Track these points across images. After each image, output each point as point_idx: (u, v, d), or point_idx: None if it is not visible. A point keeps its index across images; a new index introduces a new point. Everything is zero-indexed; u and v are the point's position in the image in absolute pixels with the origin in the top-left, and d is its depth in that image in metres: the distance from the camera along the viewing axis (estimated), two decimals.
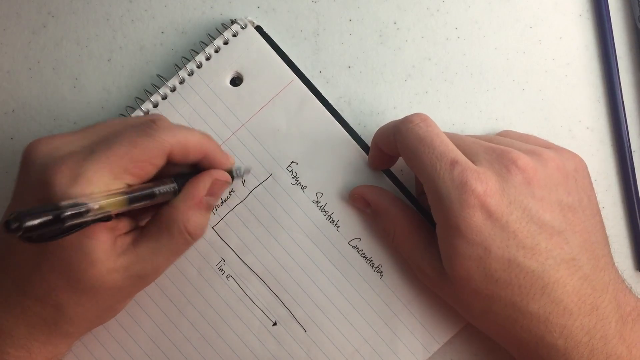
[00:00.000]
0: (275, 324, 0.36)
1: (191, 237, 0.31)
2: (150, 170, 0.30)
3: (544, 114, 0.39)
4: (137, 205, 0.29)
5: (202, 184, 0.32)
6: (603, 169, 0.38)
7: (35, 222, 0.24)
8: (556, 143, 0.36)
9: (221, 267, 0.36)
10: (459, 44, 0.39)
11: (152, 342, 0.36)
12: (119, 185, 0.29)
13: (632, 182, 0.38)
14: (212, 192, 0.32)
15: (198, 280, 0.36)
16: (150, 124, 0.30)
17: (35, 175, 0.28)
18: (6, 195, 0.32)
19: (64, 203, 0.26)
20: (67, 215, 0.25)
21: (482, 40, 0.39)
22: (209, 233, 0.36)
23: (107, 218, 0.28)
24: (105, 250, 0.29)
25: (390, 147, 0.33)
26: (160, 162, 0.30)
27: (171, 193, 0.31)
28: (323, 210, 0.37)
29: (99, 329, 0.35)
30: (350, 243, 0.37)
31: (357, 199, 0.36)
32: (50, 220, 0.25)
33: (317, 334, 0.36)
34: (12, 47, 0.38)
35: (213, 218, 0.36)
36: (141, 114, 0.37)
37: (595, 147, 0.39)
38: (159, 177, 0.31)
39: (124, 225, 0.31)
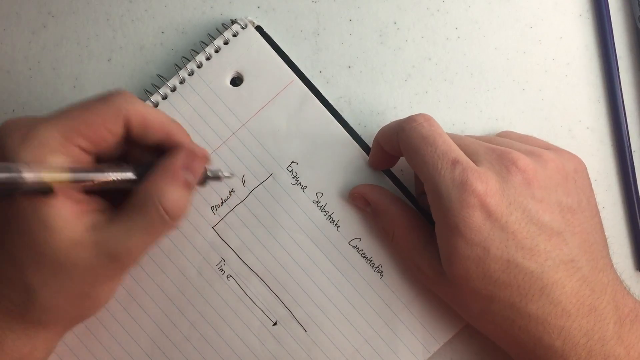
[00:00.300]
0: (275, 324, 0.36)
1: (168, 216, 0.29)
2: (105, 135, 0.29)
3: (544, 114, 0.39)
4: (84, 184, 0.29)
5: (177, 156, 0.30)
6: (603, 169, 0.38)
7: None
8: (556, 143, 0.36)
9: (221, 267, 0.36)
10: (459, 44, 0.39)
11: (152, 342, 0.36)
12: (70, 148, 0.28)
13: (632, 182, 0.38)
14: (189, 166, 0.30)
15: (198, 280, 0.36)
16: (111, 92, 0.30)
17: None
18: None
19: None
20: None
21: (482, 40, 0.39)
22: (209, 233, 0.36)
23: (46, 190, 0.27)
24: (64, 219, 0.28)
25: (392, 146, 0.33)
26: (115, 128, 0.29)
27: (128, 179, 0.30)
28: (323, 210, 0.37)
29: (99, 329, 0.36)
30: (350, 243, 0.37)
31: (357, 198, 0.36)
32: None
33: (318, 334, 0.36)
34: (12, 47, 0.38)
35: (213, 218, 0.36)
36: None
37: (595, 147, 0.39)
38: (121, 162, 0.31)
39: (96, 201, 0.30)
